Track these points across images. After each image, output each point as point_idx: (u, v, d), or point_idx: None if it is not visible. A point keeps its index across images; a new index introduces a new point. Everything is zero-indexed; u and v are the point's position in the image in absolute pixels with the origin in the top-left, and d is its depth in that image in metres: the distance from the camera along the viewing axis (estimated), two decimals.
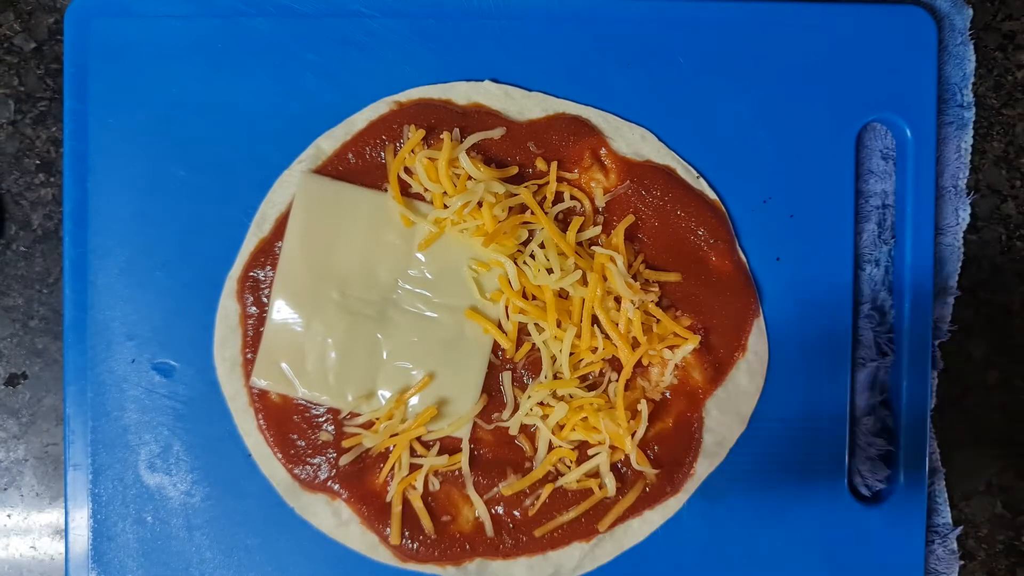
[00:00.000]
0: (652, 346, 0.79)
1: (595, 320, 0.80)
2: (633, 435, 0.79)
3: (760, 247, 0.83)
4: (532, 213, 0.80)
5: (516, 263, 0.79)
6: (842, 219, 0.83)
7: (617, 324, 0.79)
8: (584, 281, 0.79)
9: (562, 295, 0.80)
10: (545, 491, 0.79)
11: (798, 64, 0.83)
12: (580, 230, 0.81)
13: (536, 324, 0.79)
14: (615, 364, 0.81)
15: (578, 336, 0.78)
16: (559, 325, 0.79)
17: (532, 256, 0.79)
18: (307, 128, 0.82)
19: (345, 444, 0.79)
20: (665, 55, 0.83)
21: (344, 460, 0.79)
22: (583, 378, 0.80)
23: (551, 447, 0.80)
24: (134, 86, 0.82)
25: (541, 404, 0.79)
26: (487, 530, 0.79)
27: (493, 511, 0.80)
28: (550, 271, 0.79)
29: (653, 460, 0.81)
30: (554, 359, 0.80)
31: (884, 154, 0.85)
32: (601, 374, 0.81)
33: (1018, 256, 0.90)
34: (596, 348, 0.79)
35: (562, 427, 0.80)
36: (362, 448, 0.79)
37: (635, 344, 0.80)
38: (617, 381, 0.80)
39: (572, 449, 0.79)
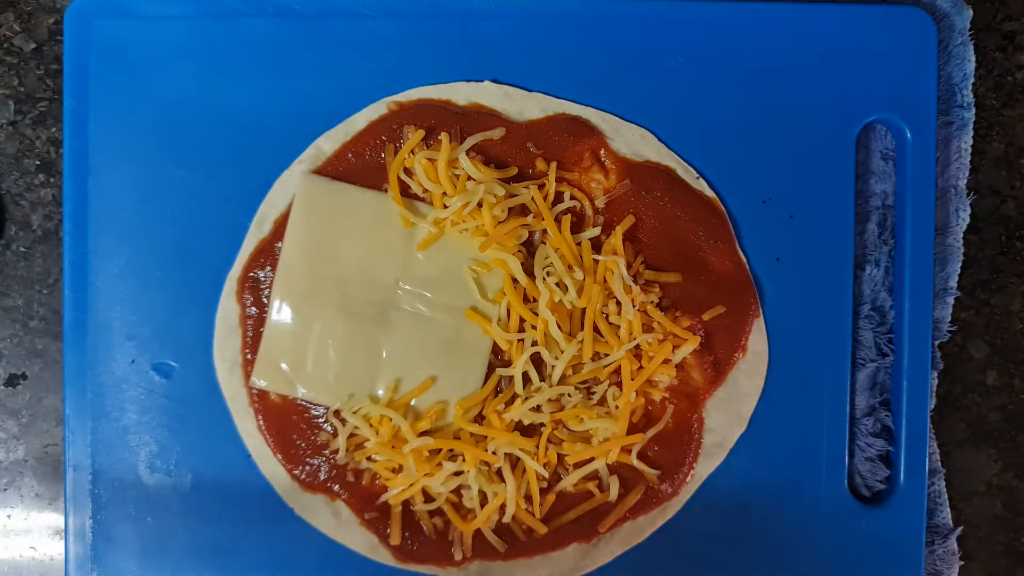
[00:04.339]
0: (653, 349, 0.80)
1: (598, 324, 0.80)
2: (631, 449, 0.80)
3: (760, 247, 0.83)
4: (533, 216, 0.80)
5: (523, 269, 0.79)
6: (842, 219, 0.83)
7: (618, 328, 0.80)
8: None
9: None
10: (548, 500, 0.80)
11: (798, 64, 0.83)
12: (579, 231, 0.81)
13: (534, 327, 0.79)
14: (617, 370, 0.81)
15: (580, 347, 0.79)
16: (559, 328, 0.79)
17: (548, 274, 0.79)
18: (307, 128, 0.82)
19: (357, 457, 0.80)
20: (665, 55, 0.83)
21: (342, 459, 0.80)
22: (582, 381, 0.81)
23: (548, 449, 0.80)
24: (134, 86, 0.82)
25: (538, 409, 0.79)
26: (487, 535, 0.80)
27: (493, 516, 0.80)
28: (559, 284, 0.79)
29: (653, 461, 0.81)
30: (552, 367, 0.80)
31: (884, 154, 0.85)
32: (597, 381, 0.81)
33: (1018, 256, 0.90)
34: (596, 355, 0.80)
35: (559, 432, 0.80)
36: (367, 453, 0.79)
37: (636, 350, 0.80)
38: (614, 385, 0.80)
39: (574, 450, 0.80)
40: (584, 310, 0.80)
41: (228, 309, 0.82)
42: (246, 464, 0.81)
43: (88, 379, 0.82)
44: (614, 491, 0.80)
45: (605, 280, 0.80)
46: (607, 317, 0.80)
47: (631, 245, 0.82)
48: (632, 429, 0.80)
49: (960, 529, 0.87)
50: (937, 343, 0.86)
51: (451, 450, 0.79)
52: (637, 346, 0.80)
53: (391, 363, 0.80)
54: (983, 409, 0.89)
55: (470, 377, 0.80)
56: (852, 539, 0.82)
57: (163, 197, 0.82)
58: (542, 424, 0.80)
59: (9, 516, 0.87)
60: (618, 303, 0.80)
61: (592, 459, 0.80)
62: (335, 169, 0.82)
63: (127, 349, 0.82)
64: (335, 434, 0.80)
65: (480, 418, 0.80)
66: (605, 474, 0.81)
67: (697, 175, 0.83)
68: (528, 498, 0.80)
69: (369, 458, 0.80)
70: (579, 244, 0.80)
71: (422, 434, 0.79)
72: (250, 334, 0.81)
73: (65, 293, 0.82)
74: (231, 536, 0.82)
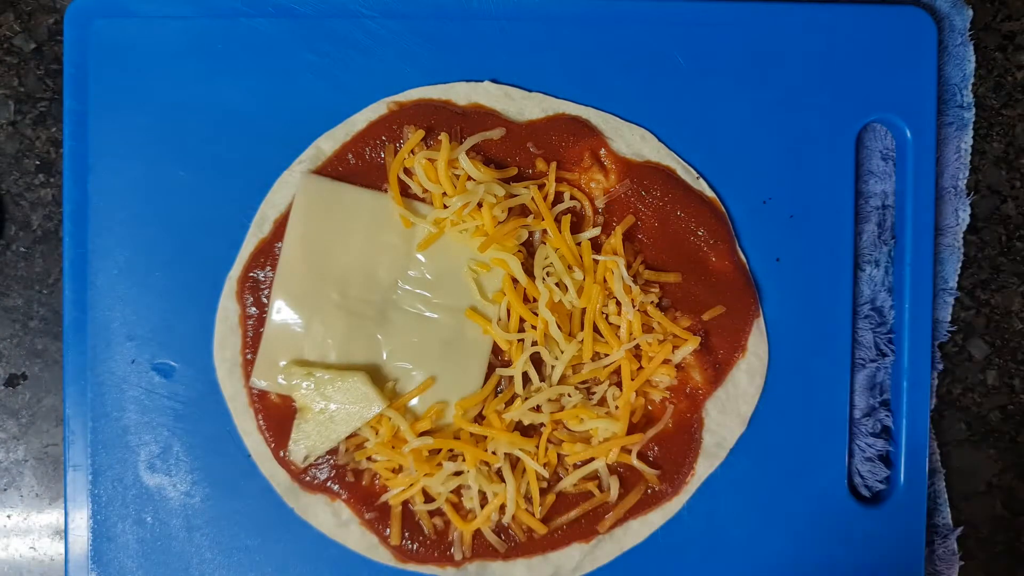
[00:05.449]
0: (653, 350, 0.79)
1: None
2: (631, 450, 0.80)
3: (760, 247, 0.83)
4: (533, 216, 0.80)
5: (523, 269, 0.79)
6: (842, 219, 0.83)
7: (618, 328, 0.80)
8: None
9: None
10: (548, 500, 0.80)
11: (798, 64, 0.83)
12: (579, 231, 0.81)
13: (534, 327, 0.79)
14: (617, 370, 0.81)
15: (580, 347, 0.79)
16: (559, 328, 0.79)
17: (547, 274, 0.79)
18: (307, 128, 0.82)
19: (357, 457, 0.80)
20: (665, 55, 0.83)
21: (342, 459, 0.80)
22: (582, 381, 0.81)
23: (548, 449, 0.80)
24: (134, 86, 0.82)
25: (537, 409, 0.79)
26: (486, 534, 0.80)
27: (493, 516, 0.80)
28: (558, 284, 0.79)
29: (653, 461, 0.81)
30: (552, 367, 0.80)
31: (884, 155, 0.85)
32: (597, 381, 0.81)
33: (1018, 256, 0.90)
34: (596, 355, 0.80)
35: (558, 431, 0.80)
36: (367, 453, 0.79)
37: (636, 350, 0.80)
38: (614, 385, 0.80)
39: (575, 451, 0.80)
40: (584, 310, 0.80)
41: (228, 309, 0.82)
42: (246, 464, 0.81)
43: (88, 379, 0.82)
44: (614, 491, 0.80)
45: (605, 280, 0.80)
46: (607, 317, 0.80)
47: (631, 245, 0.82)
48: (632, 429, 0.80)
49: (960, 529, 0.87)
50: (937, 343, 0.86)
51: (451, 450, 0.79)
52: (637, 346, 0.80)
53: (391, 363, 0.80)
54: (983, 409, 0.89)
55: (470, 377, 0.80)
56: (852, 539, 0.82)
57: (163, 197, 0.82)
58: (542, 424, 0.80)
59: (9, 516, 0.87)
60: (618, 303, 0.80)
61: (592, 459, 0.80)
62: (335, 169, 0.82)
63: (127, 349, 0.82)
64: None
65: (480, 418, 0.80)
66: (605, 474, 0.81)
67: (697, 175, 0.83)
68: (528, 498, 0.80)
69: (369, 458, 0.80)
70: (579, 244, 0.80)
71: (422, 434, 0.79)
72: (250, 334, 0.81)
73: (65, 293, 0.82)
74: (231, 536, 0.81)
